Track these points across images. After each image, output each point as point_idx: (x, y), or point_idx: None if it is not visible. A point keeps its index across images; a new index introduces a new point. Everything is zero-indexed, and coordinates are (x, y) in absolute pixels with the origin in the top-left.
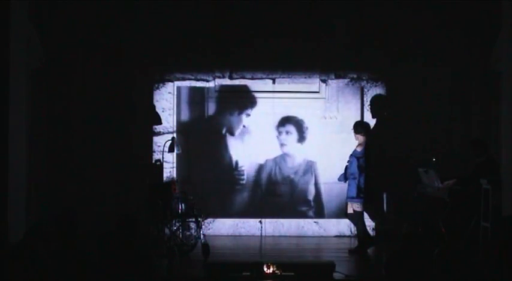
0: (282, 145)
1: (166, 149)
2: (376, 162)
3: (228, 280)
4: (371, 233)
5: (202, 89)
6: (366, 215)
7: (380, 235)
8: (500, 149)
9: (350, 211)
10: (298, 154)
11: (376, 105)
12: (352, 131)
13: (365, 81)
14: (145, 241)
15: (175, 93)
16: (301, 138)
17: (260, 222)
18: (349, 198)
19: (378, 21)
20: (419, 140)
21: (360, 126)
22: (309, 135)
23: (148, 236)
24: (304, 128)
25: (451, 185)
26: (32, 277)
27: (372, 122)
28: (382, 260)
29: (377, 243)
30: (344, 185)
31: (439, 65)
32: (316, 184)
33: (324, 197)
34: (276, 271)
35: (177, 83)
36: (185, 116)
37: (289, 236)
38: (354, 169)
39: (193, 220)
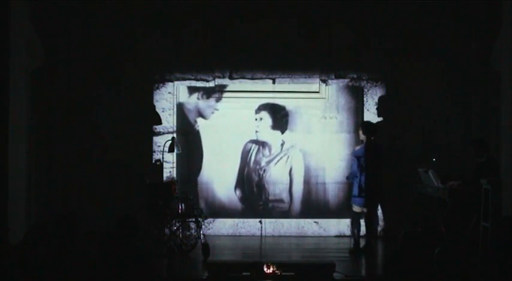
0: (282, 144)
1: (166, 149)
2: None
3: (228, 280)
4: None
5: (202, 89)
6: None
7: (380, 235)
8: (500, 149)
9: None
10: (298, 153)
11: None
12: (360, 130)
13: (365, 81)
14: (145, 241)
15: (175, 93)
16: (302, 138)
17: (260, 222)
18: (352, 197)
19: (378, 21)
20: (419, 140)
21: (369, 128)
22: (309, 135)
23: (148, 236)
24: (304, 128)
25: (456, 187)
26: (32, 277)
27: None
28: (382, 260)
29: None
30: (343, 185)
31: (439, 65)
32: (316, 184)
33: (324, 197)
34: (276, 271)
35: (177, 83)
36: (185, 116)
37: (289, 236)
38: (355, 168)
39: (193, 220)
